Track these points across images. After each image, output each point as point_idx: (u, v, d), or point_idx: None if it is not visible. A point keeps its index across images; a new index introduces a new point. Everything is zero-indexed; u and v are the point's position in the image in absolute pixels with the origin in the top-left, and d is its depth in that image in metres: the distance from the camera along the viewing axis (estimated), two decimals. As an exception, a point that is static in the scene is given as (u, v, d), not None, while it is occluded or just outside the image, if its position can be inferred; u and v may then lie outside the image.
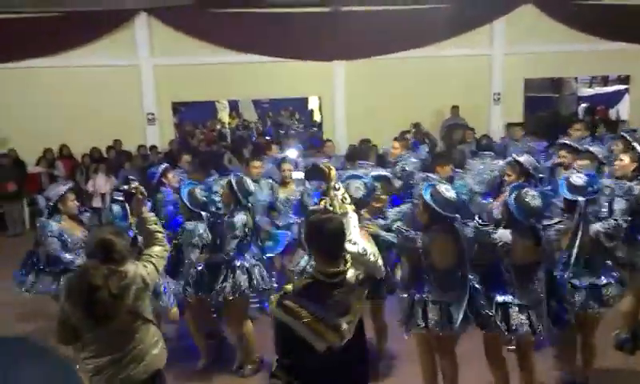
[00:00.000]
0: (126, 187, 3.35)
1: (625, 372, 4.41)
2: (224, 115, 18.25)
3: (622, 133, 5.61)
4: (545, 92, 15.80)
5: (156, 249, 3.15)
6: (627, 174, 4.38)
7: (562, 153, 5.33)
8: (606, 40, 11.81)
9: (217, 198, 4.74)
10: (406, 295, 3.66)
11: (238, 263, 4.36)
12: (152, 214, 3.38)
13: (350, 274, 2.54)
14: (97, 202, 9.30)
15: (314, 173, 3.08)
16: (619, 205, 3.92)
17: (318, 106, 13.91)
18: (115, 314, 2.79)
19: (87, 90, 10.69)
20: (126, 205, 3.86)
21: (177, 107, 13.25)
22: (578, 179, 3.74)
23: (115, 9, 10.57)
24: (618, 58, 12.28)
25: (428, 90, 11.41)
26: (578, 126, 7.16)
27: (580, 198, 3.65)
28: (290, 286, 2.56)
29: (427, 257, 3.51)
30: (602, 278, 3.77)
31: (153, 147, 10.65)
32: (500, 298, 3.50)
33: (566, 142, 5.56)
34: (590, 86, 16.69)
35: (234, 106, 18.43)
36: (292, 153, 7.26)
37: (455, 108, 11.41)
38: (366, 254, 2.62)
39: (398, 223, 4.04)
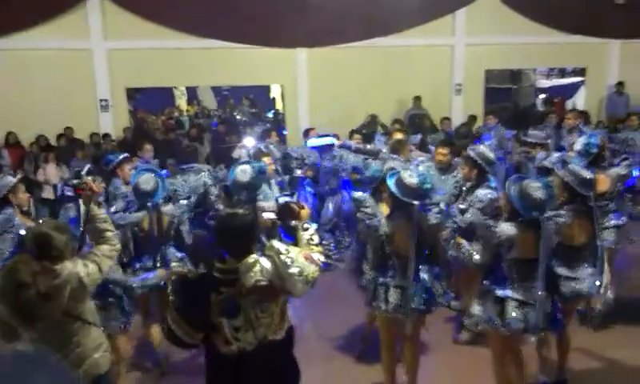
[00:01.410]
0: (75, 182, 3.20)
1: (602, 370, 4.41)
2: (182, 102, 17.78)
3: None
4: (504, 83, 16.09)
5: (103, 247, 2.98)
6: None
7: (526, 148, 5.73)
8: (564, 32, 12.04)
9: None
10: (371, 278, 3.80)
11: None
12: (102, 210, 3.19)
13: (251, 277, 2.47)
14: (47, 193, 8.85)
15: (286, 212, 3.03)
16: None
17: (280, 94, 13.67)
18: (45, 314, 2.60)
19: (36, 74, 10.12)
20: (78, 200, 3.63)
21: (132, 94, 12.74)
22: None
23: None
24: (575, 51, 12.59)
25: (391, 80, 11.38)
26: (570, 115, 7.76)
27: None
28: (188, 271, 2.66)
29: (389, 242, 3.62)
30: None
31: (106, 135, 10.21)
32: (499, 293, 3.46)
33: (527, 138, 5.81)
34: (547, 78, 17.11)
35: (192, 93, 17.97)
36: (249, 141, 7.17)
37: (418, 98, 11.42)
38: (299, 273, 2.53)
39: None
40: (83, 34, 10.31)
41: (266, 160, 5.52)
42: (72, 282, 2.68)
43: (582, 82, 13.59)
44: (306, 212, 2.99)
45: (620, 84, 12.28)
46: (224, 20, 10.53)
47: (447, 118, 10.41)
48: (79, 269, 2.75)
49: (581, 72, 13.84)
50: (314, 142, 6.06)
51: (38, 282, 2.56)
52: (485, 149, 4.69)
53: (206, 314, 2.49)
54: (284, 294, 2.62)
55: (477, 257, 3.51)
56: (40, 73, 10.13)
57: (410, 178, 3.57)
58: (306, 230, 2.88)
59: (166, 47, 10.53)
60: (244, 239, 2.58)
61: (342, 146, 6.24)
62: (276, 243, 2.61)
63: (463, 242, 3.63)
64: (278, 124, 13.05)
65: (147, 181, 4.33)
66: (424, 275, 3.64)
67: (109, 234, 3.05)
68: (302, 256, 2.60)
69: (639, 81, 11.99)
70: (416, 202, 3.53)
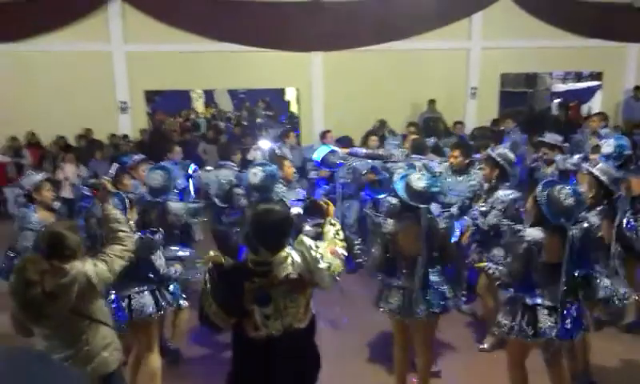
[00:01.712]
0: (92, 181, 3.28)
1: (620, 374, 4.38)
2: (199, 105, 18.00)
3: None
4: (519, 87, 16.01)
5: (115, 247, 3.01)
6: None
7: (544, 149, 5.69)
8: (581, 36, 11.98)
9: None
10: (379, 278, 3.83)
11: None
12: (117, 211, 3.24)
13: (283, 270, 2.64)
14: (66, 192, 9.03)
15: (314, 208, 3.21)
16: None
17: (295, 98, 13.77)
18: (52, 312, 2.67)
19: (57, 76, 10.38)
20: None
21: (150, 96, 12.96)
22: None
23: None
24: (592, 55, 12.48)
25: (406, 83, 11.41)
26: (595, 118, 7.74)
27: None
28: (224, 260, 2.73)
29: (395, 243, 3.65)
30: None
31: (124, 136, 10.40)
32: (529, 301, 3.37)
33: (544, 139, 5.76)
34: (563, 82, 16.97)
35: (209, 96, 18.17)
36: (264, 144, 7.19)
37: (432, 102, 11.43)
38: (327, 268, 2.69)
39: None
40: (104, 37, 10.54)
41: (286, 163, 5.42)
42: (80, 281, 2.72)
43: (599, 86, 13.46)
44: (332, 208, 3.13)
45: (637, 88, 12.12)
46: (240, 24, 10.69)
47: (460, 122, 10.32)
48: (88, 268, 2.79)
49: (597, 76, 13.71)
50: (315, 155, 6.00)
51: (44, 280, 2.63)
52: (506, 150, 4.70)
53: (239, 301, 2.65)
54: (312, 286, 2.76)
55: (506, 272, 3.49)
56: (61, 75, 10.38)
57: (418, 181, 3.58)
58: (333, 225, 3.00)
59: (184, 50, 10.71)
60: (278, 234, 2.71)
61: (350, 154, 6.15)
62: (306, 239, 2.75)
63: (488, 264, 3.67)
64: (292, 127, 13.14)
65: (154, 178, 4.42)
66: (435, 278, 3.64)
67: (122, 234, 3.07)
68: (329, 251, 2.76)
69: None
70: (422, 206, 3.54)
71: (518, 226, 3.47)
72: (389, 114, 10.54)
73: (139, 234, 3.78)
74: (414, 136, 6.46)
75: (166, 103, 15.03)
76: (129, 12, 10.51)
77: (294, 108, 14.77)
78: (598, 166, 3.89)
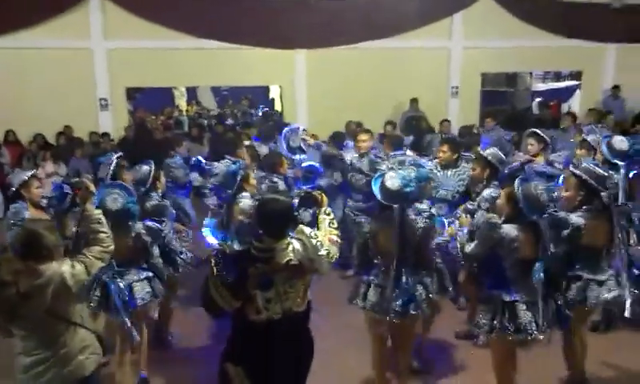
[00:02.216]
0: (74, 180, 3.29)
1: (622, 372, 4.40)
2: (181, 103, 17.84)
3: None
4: (500, 86, 16.18)
5: (94, 248, 2.99)
6: None
7: (531, 141, 5.55)
8: (559, 36, 12.15)
9: None
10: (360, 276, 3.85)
11: None
12: (98, 211, 3.21)
13: (284, 257, 2.81)
14: (46, 191, 8.90)
15: (307, 200, 3.31)
16: None
17: (279, 95, 13.75)
18: (26, 313, 2.66)
19: (36, 73, 10.21)
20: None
21: (132, 93, 12.81)
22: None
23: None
24: (571, 55, 12.69)
25: (388, 82, 11.47)
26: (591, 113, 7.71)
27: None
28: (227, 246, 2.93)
29: (374, 242, 3.70)
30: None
31: (105, 134, 10.29)
32: (507, 298, 3.40)
33: (536, 131, 5.72)
34: (543, 81, 17.19)
35: (192, 93, 18.03)
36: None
37: (414, 100, 11.51)
38: (326, 255, 2.89)
39: None
40: (83, 33, 10.39)
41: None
42: (54, 283, 2.69)
43: (578, 85, 13.67)
44: (325, 199, 3.29)
45: (616, 87, 12.40)
46: (223, 20, 10.63)
47: (447, 120, 10.32)
48: (64, 269, 2.76)
49: (577, 75, 13.92)
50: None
51: (19, 281, 2.61)
52: (495, 150, 4.71)
53: (244, 285, 2.80)
54: (310, 272, 2.94)
55: (469, 248, 3.53)
56: (40, 71, 10.21)
57: (392, 180, 3.55)
58: (328, 215, 3.19)
59: (166, 47, 10.62)
60: (281, 222, 2.89)
61: (313, 147, 6.52)
62: (305, 228, 2.93)
63: (459, 232, 3.67)
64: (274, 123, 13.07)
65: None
66: (407, 279, 3.57)
67: (102, 235, 3.05)
68: (327, 239, 2.97)
69: (635, 85, 12.08)
70: (395, 206, 3.53)
71: (497, 220, 3.43)
72: (371, 113, 10.57)
73: (146, 222, 3.94)
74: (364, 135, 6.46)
75: (147, 100, 14.84)
76: (109, 8, 10.37)
77: (278, 106, 14.73)
78: (581, 166, 3.84)
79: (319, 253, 2.84)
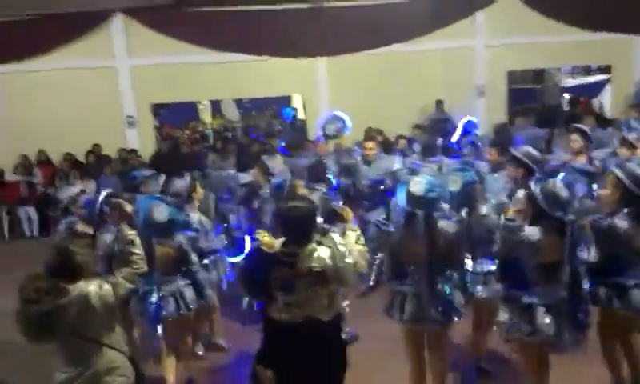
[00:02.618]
0: (113, 200, 3.39)
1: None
2: (206, 116, 18.02)
3: None
4: (527, 83, 15.84)
5: (125, 270, 3.00)
6: None
7: (574, 137, 5.24)
8: (587, 30, 11.83)
9: None
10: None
11: None
12: (132, 232, 3.24)
13: (308, 263, 2.87)
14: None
15: (333, 216, 3.40)
16: None
17: (302, 104, 13.75)
18: (49, 331, 2.65)
19: (64, 93, 10.46)
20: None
21: (157, 109, 12.99)
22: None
23: (91, 10, 10.29)
24: (599, 48, 12.30)
25: (411, 85, 11.33)
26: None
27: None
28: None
29: (404, 250, 3.57)
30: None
31: (133, 151, 10.43)
32: (526, 300, 3.29)
33: (580, 126, 5.47)
34: (572, 77, 16.78)
35: (215, 106, 18.20)
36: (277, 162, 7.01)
37: (440, 102, 11.35)
38: (353, 264, 2.94)
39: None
40: (108, 52, 10.64)
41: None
42: (79, 303, 2.69)
43: (608, 79, 13.29)
44: (350, 215, 3.37)
45: (648, 80, 12.00)
46: (242, 33, 10.72)
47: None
48: (91, 288, 2.74)
49: (606, 69, 13.53)
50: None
51: (41, 299, 2.60)
52: (529, 148, 4.55)
53: (264, 284, 2.95)
54: (335, 282, 2.96)
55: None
56: (68, 91, 10.45)
57: (415, 186, 3.45)
58: (354, 231, 3.23)
59: (188, 62, 10.76)
60: (302, 228, 2.96)
61: None
62: (335, 236, 2.98)
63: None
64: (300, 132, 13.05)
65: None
66: (442, 285, 3.50)
67: (135, 256, 3.06)
68: (356, 250, 3.00)
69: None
70: (419, 212, 3.42)
71: (519, 223, 3.31)
72: (395, 117, 10.46)
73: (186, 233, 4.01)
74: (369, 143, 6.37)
75: (172, 116, 15.07)
76: (131, 26, 10.58)
77: (301, 114, 14.73)
78: (623, 166, 3.60)
79: (346, 260, 2.87)
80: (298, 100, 15.49)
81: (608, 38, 12.00)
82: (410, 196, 3.45)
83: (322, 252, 2.88)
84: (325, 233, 3.04)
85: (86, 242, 3.19)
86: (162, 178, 5.16)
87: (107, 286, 2.82)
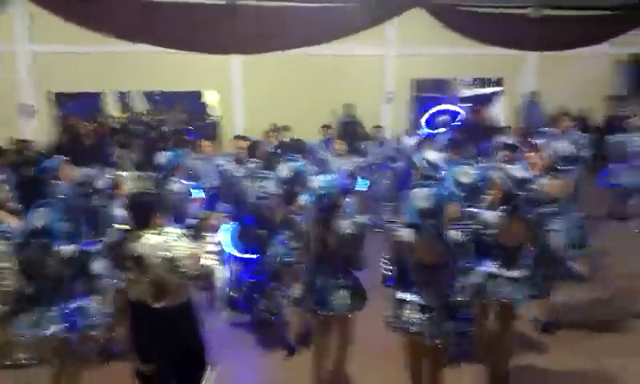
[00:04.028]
0: None
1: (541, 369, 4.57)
2: (113, 108, 17.29)
3: None
4: (430, 92, 16.78)
5: None
6: None
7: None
8: (483, 44, 12.82)
9: None
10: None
11: None
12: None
13: (132, 246, 3.12)
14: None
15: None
16: None
17: (215, 100, 13.62)
18: None
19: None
20: None
21: (61, 100, 12.29)
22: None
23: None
24: (493, 62, 13.41)
25: (324, 88, 11.64)
26: (566, 118, 8.00)
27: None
28: None
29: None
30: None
31: (27, 141, 9.79)
32: (400, 295, 3.51)
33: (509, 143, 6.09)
34: (469, 88, 17.98)
35: (123, 98, 17.51)
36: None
37: (349, 106, 11.78)
38: (172, 258, 3.04)
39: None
40: (6, 36, 9.89)
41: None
42: None
43: (501, 91, 14.46)
44: (213, 220, 3.61)
45: (535, 93, 13.24)
46: (154, 25, 10.44)
47: (379, 126, 10.63)
48: None
49: (499, 82, 14.72)
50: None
51: None
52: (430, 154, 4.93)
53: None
54: (155, 273, 3.06)
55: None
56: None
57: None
58: (205, 239, 3.39)
59: (96, 51, 10.28)
60: (142, 213, 3.25)
61: None
62: (174, 229, 3.11)
63: None
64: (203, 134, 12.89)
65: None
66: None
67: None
68: (191, 251, 3.03)
69: (553, 90, 12.96)
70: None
71: (395, 225, 3.55)
72: (309, 118, 10.69)
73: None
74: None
75: (78, 107, 14.29)
76: (34, 11, 9.93)
77: (212, 111, 14.59)
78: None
79: (163, 253, 2.99)
80: (209, 96, 15.33)
81: (501, 52, 13.11)
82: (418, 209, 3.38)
83: (152, 239, 3.03)
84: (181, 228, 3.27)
85: None
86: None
87: None
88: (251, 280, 5.38)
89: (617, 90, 14.08)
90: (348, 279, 3.84)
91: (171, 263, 2.89)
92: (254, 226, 5.13)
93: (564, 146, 4.97)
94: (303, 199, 4.34)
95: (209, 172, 6.65)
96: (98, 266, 3.87)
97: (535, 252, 4.10)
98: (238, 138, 6.41)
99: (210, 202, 5.94)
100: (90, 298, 3.74)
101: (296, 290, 3.95)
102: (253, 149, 6.14)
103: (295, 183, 4.62)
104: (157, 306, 2.99)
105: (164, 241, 2.93)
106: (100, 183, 4.50)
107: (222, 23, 10.81)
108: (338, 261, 3.78)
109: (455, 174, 4.27)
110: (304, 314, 4.04)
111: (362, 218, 3.90)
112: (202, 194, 5.91)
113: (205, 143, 7.57)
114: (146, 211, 3.25)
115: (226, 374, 3.73)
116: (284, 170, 4.67)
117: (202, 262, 3.07)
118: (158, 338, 3.02)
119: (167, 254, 2.90)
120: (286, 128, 9.24)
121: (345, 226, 3.72)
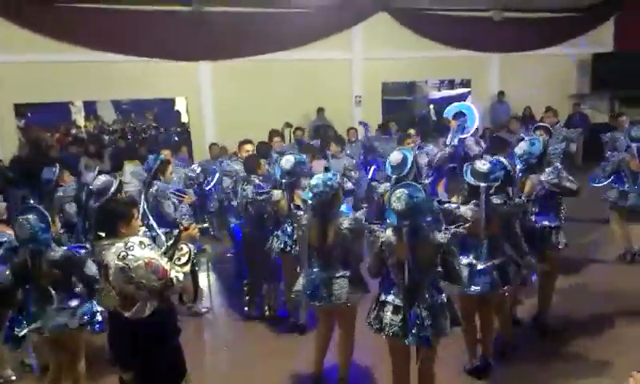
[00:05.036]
0: None
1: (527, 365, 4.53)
2: (79, 118, 16.99)
3: None
4: (400, 95, 17.03)
5: None
6: None
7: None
8: (449, 47, 13.04)
9: None
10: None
11: None
12: None
13: (103, 255, 3.04)
14: None
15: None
16: None
17: (185, 108, 13.50)
18: None
19: None
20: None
21: (22, 110, 11.98)
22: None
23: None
24: (460, 64, 13.68)
25: (295, 92, 11.66)
26: (550, 114, 8.36)
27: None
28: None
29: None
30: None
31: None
32: (382, 297, 3.53)
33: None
34: (438, 90, 18.32)
35: (90, 108, 17.22)
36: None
37: (321, 110, 11.84)
38: (121, 270, 2.79)
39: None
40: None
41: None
42: None
43: (469, 92, 14.74)
44: (193, 232, 3.25)
45: (501, 93, 13.53)
46: (120, 33, 10.27)
47: (353, 128, 10.65)
48: None
49: (467, 83, 15.00)
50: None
51: None
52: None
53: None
54: (118, 283, 2.87)
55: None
56: None
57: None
58: (181, 250, 3.13)
59: (60, 60, 10.03)
60: (108, 222, 3.30)
61: None
62: (140, 239, 2.91)
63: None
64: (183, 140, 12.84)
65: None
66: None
67: None
68: (146, 261, 2.79)
69: (517, 90, 13.34)
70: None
71: (376, 227, 3.59)
72: (278, 123, 10.68)
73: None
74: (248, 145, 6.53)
75: (41, 117, 13.99)
76: (-5, 19, 9.65)
77: (184, 118, 14.46)
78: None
79: (118, 264, 2.77)
80: (181, 103, 15.20)
81: (467, 55, 13.37)
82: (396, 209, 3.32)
83: (113, 248, 2.86)
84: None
85: None
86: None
87: None
88: (251, 280, 5.71)
89: (579, 88, 14.50)
90: (346, 270, 3.90)
91: (124, 273, 2.74)
92: (255, 225, 5.33)
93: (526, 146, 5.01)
94: (303, 194, 4.49)
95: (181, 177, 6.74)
96: (94, 268, 3.86)
97: (509, 242, 4.15)
98: (243, 142, 6.45)
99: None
100: (87, 299, 3.86)
101: (297, 285, 4.05)
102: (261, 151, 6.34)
103: (295, 174, 4.77)
104: (127, 314, 2.92)
105: (122, 249, 2.78)
106: (112, 189, 4.47)
107: (190, 30, 10.72)
108: (336, 255, 3.87)
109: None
110: (305, 307, 4.14)
111: (360, 214, 3.98)
112: (193, 197, 6.16)
113: (165, 152, 7.58)
114: (112, 219, 3.27)
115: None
116: (285, 161, 4.79)
117: (168, 274, 2.88)
118: (132, 346, 2.96)
119: (119, 263, 2.75)
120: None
121: (343, 222, 3.82)
